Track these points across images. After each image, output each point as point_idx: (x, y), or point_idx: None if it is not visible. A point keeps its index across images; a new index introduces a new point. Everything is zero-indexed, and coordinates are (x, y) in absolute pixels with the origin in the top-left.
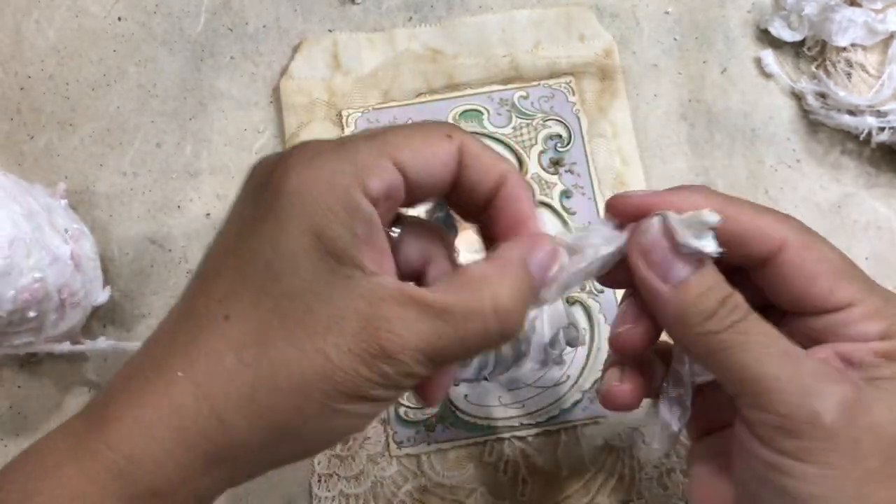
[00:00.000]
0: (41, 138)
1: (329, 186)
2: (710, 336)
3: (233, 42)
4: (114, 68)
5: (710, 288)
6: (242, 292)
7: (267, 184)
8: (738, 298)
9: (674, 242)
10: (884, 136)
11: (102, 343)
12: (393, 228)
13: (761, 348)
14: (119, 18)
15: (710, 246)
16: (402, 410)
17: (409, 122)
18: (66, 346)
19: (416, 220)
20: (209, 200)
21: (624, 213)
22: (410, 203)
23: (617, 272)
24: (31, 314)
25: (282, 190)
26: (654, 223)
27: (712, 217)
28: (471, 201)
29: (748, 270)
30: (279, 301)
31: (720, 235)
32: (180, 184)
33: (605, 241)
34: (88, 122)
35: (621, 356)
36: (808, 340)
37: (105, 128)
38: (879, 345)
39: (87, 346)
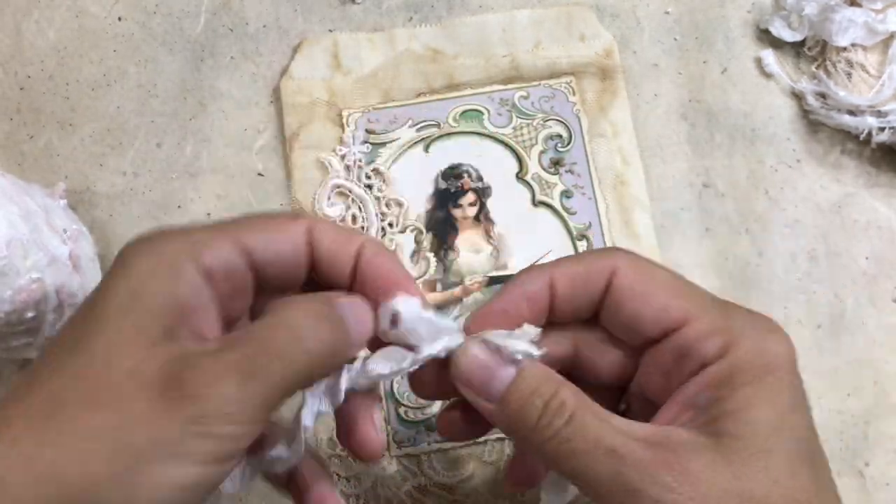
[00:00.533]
0: (41, 138)
1: (158, 254)
2: (543, 444)
3: (233, 42)
4: (114, 68)
5: (531, 393)
6: (42, 366)
7: (109, 270)
8: (566, 394)
9: (495, 358)
10: (884, 136)
11: None
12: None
13: (587, 452)
14: (119, 18)
15: (532, 349)
16: (402, 410)
17: (409, 121)
18: None
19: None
20: (209, 200)
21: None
22: (272, 289)
23: (427, 378)
24: (29, 315)
25: (114, 268)
26: (470, 347)
27: (532, 331)
28: (336, 279)
29: (603, 324)
30: (83, 360)
31: (562, 295)
32: (180, 184)
33: (436, 339)
34: (88, 123)
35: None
36: (667, 381)
37: (105, 128)
38: (717, 369)
39: None
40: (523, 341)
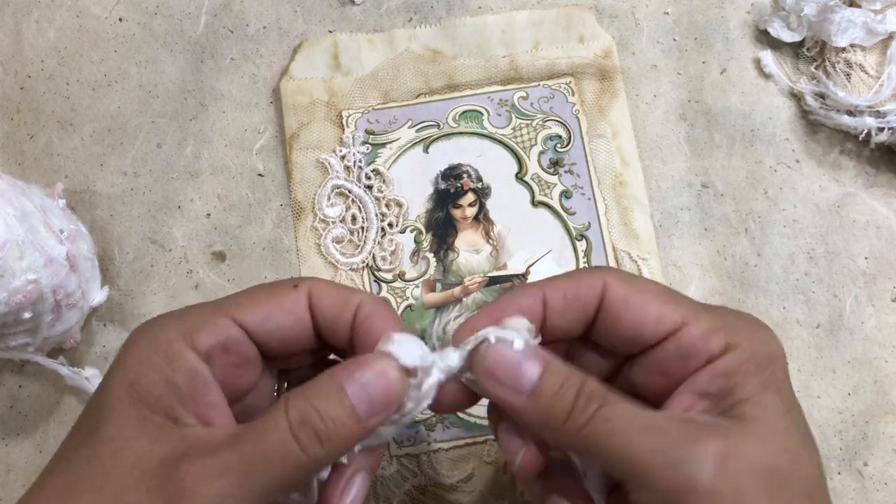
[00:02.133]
0: (41, 138)
1: (152, 343)
2: (578, 431)
3: (233, 43)
4: (115, 69)
5: (562, 385)
6: (64, 448)
7: (114, 359)
8: (593, 384)
9: (519, 354)
10: (883, 137)
11: (88, 372)
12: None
13: (625, 431)
14: (120, 19)
15: (532, 338)
16: None
17: (409, 122)
18: (63, 368)
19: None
20: (210, 200)
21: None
22: (277, 357)
23: (449, 396)
24: (26, 315)
25: (117, 358)
26: (489, 347)
27: (521, 322)
28: (339, 339)
29: (594, 338)
30: (95, 449)
31: (554, 308)
32: (181, 184)
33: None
34: (89, 122)
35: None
36: (668, 380)
37: (106, 128)
38: (726, 362)
39: (74, 371)
40: (523, 330)
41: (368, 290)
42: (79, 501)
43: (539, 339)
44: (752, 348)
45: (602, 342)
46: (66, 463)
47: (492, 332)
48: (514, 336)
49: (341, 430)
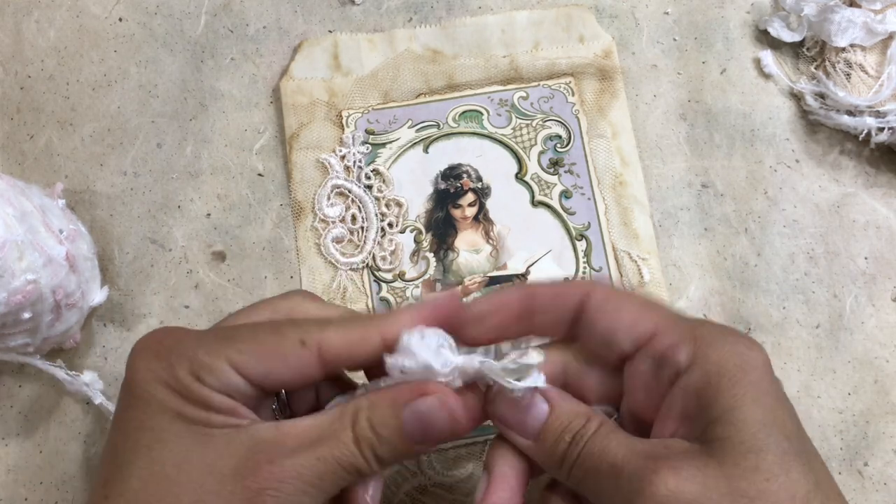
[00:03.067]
0: (41, 138)
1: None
2: (568, 473)
3: (233, 43)
4: (115, 69)
5: (563, 430)
6: (115, 472)
7: (123, 385)
8: (591, 426)
9: (526, 399)
10: (883, 137)
11: (87, 377)
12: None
13: (595, 472)
14: (120, 19)
15: (538, 381)
16: None
17: (409, 122)
18: (60, 372)
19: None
20: (209, 200)
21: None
22: (279, 389)
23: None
24: (26, 316)
25: (129, 388)
26: (496, 392)
27: (537, 358)
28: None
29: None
30: (152, 469)
31: (542, 306)
32: (181, 184)
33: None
34: (89, 122)
35: None
36: (646, 392)
37: (106, 128)
38: (691, 376)
39: (72, 375)
40: (535, 353)
41: (368, 290)
42: None
43: (542, 359)
44: (721, 359)
45: (590, 347)
46: (117, 489)
47: (495, 373)
48: (524, 371)
49: (393, 450)
